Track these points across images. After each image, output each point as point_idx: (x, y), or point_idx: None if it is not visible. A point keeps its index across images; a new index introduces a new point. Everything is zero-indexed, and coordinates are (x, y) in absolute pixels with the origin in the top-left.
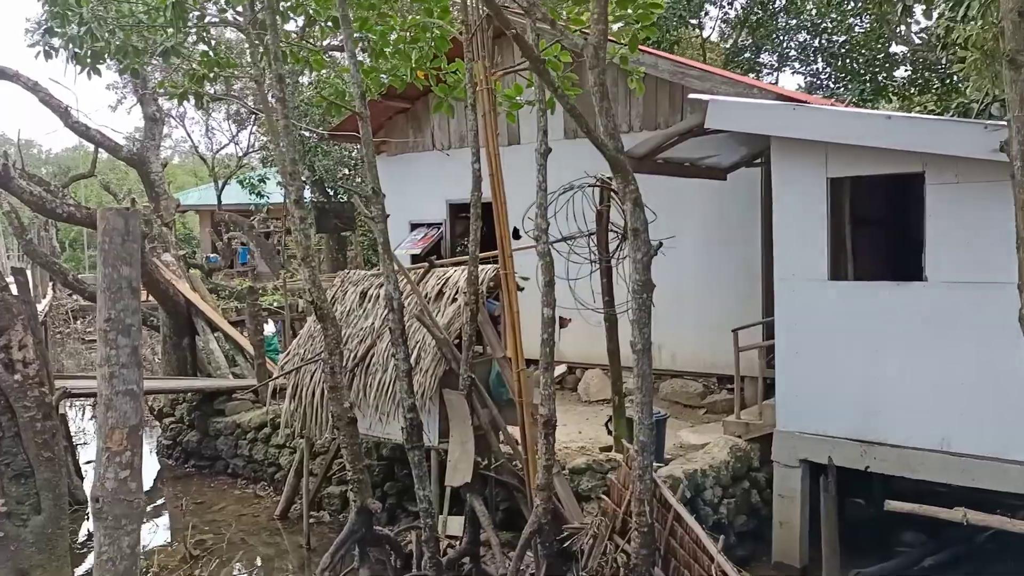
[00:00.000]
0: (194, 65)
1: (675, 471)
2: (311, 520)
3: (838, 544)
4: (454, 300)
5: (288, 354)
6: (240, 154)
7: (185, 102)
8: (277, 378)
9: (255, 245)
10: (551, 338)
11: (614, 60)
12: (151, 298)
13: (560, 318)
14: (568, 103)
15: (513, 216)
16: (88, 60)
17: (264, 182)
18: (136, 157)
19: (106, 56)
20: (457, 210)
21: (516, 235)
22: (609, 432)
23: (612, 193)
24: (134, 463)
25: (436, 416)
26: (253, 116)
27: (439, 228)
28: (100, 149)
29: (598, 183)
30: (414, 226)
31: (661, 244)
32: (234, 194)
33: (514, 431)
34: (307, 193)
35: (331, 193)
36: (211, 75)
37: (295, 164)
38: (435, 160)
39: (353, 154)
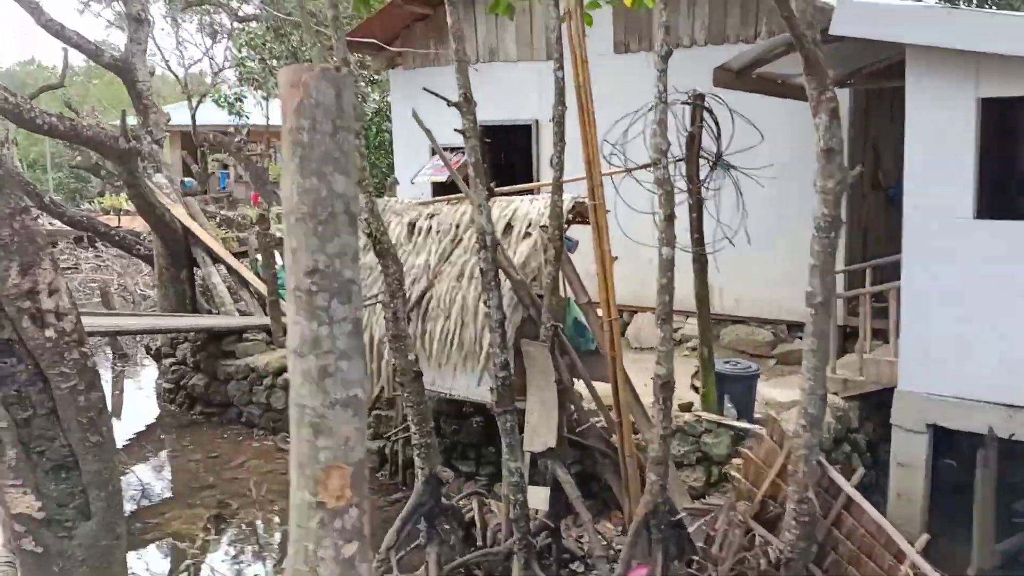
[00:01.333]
0: None
1: None
2: None
3: (993, 526)
4: (527, 235)
5: None
6: (215, 70)
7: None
8: None
9: (244, 168)
10: (670, 283)
11: None
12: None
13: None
14: None
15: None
16: None
17: (241, 100)
18: (120, 63)
19: None
20: (485, 133)
21: None
22: (694, 389)
23: (705, 112)
24: (362, 526)
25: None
26: (232, 27)
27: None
28: (69, 56)
29: (690, 100)
30: (434, 151)
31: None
32: (207, 114)
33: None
34: None
35: None
36: None
37: (347, 65)
38: None
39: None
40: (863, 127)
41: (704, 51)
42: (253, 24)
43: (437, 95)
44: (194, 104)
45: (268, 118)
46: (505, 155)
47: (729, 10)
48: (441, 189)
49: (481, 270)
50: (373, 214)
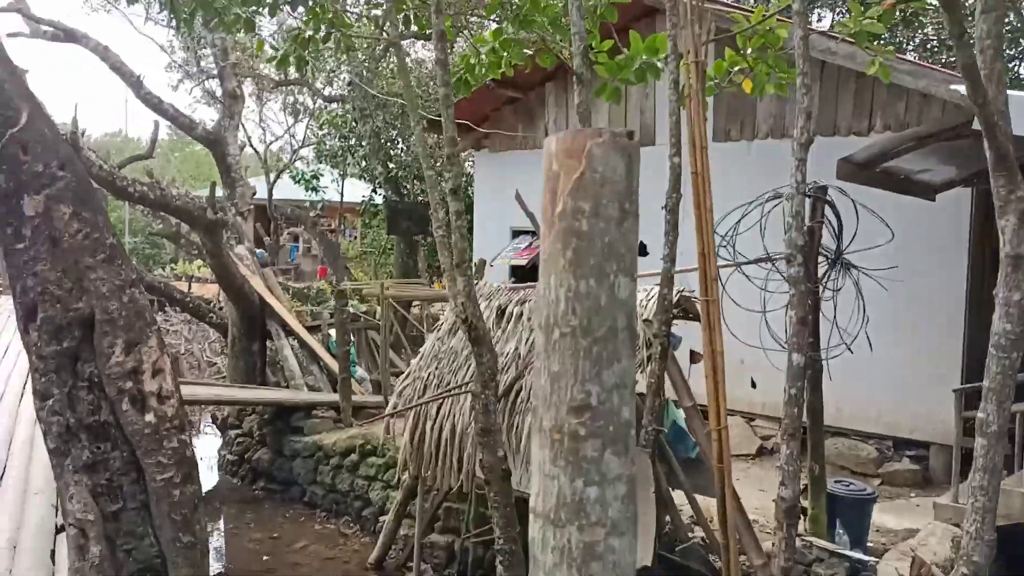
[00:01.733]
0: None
1: (899, 567)
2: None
3: None
4: None
5: (408, 376)
6: (294, 147)
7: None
8: (404, 411)
9: (319, 242)
10: (800, 394)
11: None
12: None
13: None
14: (967, 50)
15: (647, 232)
16: (188, 8)
17: (317, 178)
18: (212, 137)
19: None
20: None
21: (642, 250)
22: (802, 510)
23: (827, 205)
24: None
25: None
26: (316, 105)
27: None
28: (158, 128)
29: (811, 192)
30: (516, 233)
31: None
32: (282, 189)
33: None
34: (379, 191)
35: (403, 193)
36: (319, 36)
37: (454, 144)
38: None
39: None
40: (984, 232)
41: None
42: (334, 105)
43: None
44: (271, 179)
45: (342, 194)
46: None
47: (841, 102)
48: (519, 273)
49: None
50: (469, 298)
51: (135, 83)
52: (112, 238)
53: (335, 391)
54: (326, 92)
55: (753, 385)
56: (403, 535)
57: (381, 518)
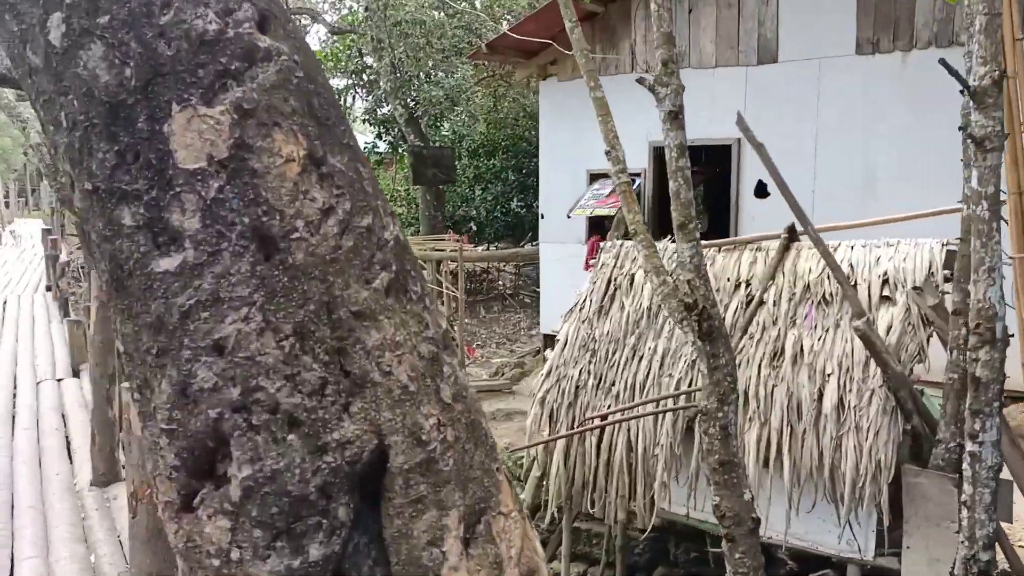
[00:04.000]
0: None
1: None
2: None
3: None
4: (885, 298)
5: (548, 374)
6: None
7: None
8: (565, 437)
9: None
10: None
11: None
12: None
13: None
14: None
15: (780, 162)
16: None
17: None
18: None
19: None
20: (663, 154)
21: (762, 191)
22: None
23: None
24: None
25: (874, 509)
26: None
27: (635, 180)
28: None
29: None
30: (595, 177)
31: None
32: None
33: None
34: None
35: (426, 137)
36: None
37: (672, 44)
38: (632, 86)
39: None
40: None
41: None
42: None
43: (956, 74)
44: None
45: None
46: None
47: None
48: (596, 226)
49: (969, 377)
50: (699, 274)
51: None
52: (392, 222)
53: None
54: (330, 20)
55: None
56: None
57: None
